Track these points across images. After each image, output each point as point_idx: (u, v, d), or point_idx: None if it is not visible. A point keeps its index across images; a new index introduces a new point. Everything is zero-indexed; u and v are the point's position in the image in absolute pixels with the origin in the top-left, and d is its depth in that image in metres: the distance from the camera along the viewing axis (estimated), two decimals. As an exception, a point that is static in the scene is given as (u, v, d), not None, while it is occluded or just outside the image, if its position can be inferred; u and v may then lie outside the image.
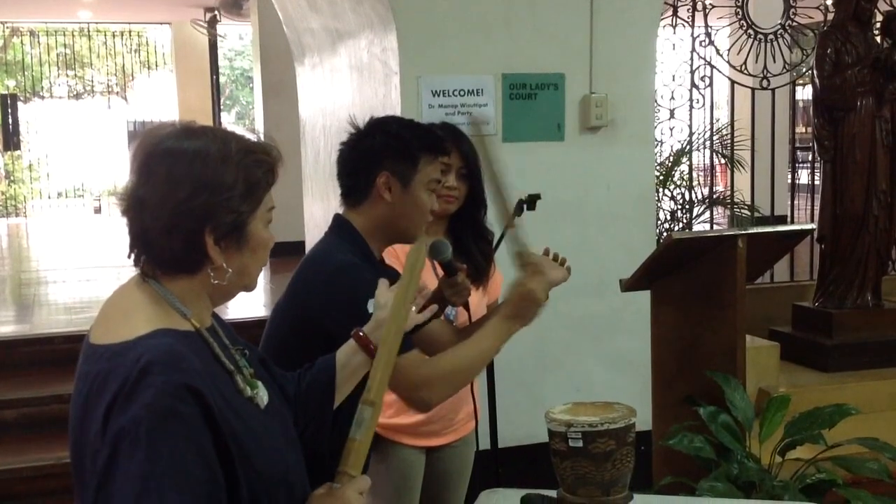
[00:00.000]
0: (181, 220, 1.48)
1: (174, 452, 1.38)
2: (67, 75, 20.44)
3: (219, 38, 13.49)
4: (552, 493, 2.12)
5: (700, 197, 7.55)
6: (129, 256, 1.57)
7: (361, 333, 1.87)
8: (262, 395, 1.61)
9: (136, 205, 1.51)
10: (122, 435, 1.38)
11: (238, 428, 1.48)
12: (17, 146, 17.22)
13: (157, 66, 19.12)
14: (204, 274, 1.54)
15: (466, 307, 2.62)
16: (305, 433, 1.80)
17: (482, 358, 2.20)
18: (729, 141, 7.36)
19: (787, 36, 6.55)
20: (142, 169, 1.52)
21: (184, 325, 1.53)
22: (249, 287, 1.62)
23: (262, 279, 8.18)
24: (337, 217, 2.35)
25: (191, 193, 1.48)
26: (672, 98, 6.57)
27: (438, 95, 4.36)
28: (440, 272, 2.57)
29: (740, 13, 6.46)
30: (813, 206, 6.89)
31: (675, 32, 6.58)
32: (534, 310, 2.19)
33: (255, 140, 1.60)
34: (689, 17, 6.40)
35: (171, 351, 1.44)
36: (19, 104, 17.23)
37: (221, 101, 15.71)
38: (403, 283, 1.77)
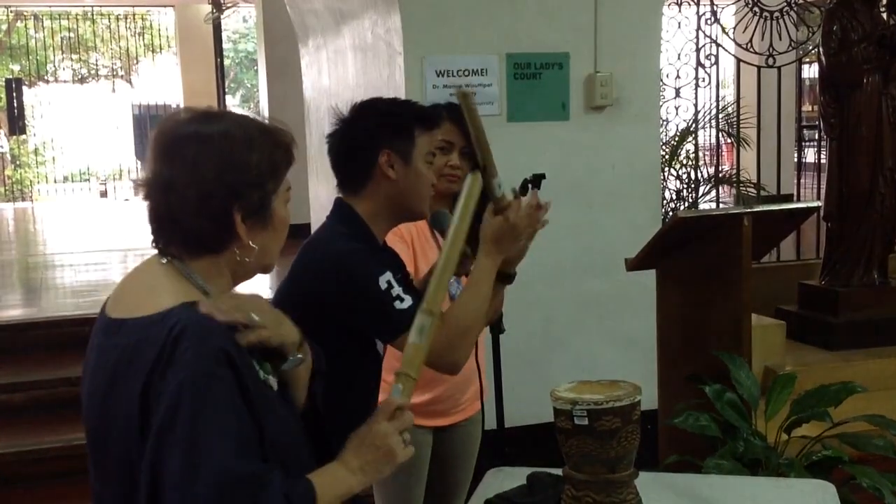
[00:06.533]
0: (211, 199, 1.52)
1: (217, 414, 1.42)
2: (72, 59, 20.43)
3: (224, 17, 13.39)
4: (558, 472, 2.13)
5: (706, 176, 7.53)
6: (153, 242, 1.59)
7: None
8: (273, 380, 1.63)
9: (162, 188, 1.54)
10: (166, 400, 1.41)
11: (258, 400, 1.51)
12: (23, 130, 17.23)
13: (161, 49, 19.09)
14: (229, 252, 1.58)
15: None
16: None
17: (485, 301, 2.20)
18: (735, 119, 7.34)
19: (792, 13, 6.51)
20: (166, 153, 1.55)
21: None
22: (269, 267, 1.66)
23: (269, 261, 8.24)
24: (338, 201, 2.33)
25: (219, 173, 1.53)
26: (677, 77, 6.53)
27: (442, 75, 4.35)
28: (442, 242, 2.57)
29: (746, -9, 6.43)
30: (819, 184, 6.88)
31: (680, 11, 6.53)
32: (513, 238, 2.17)
33: (271, 123, 1.64)
34: (694, -5, 6.36)
35: (202, 319, 1.48)
36: (24, 88, 17.23)
37: (226, 83, 15.68)
38: (459, 209, 1.87)
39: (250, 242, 1.57)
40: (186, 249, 1.57)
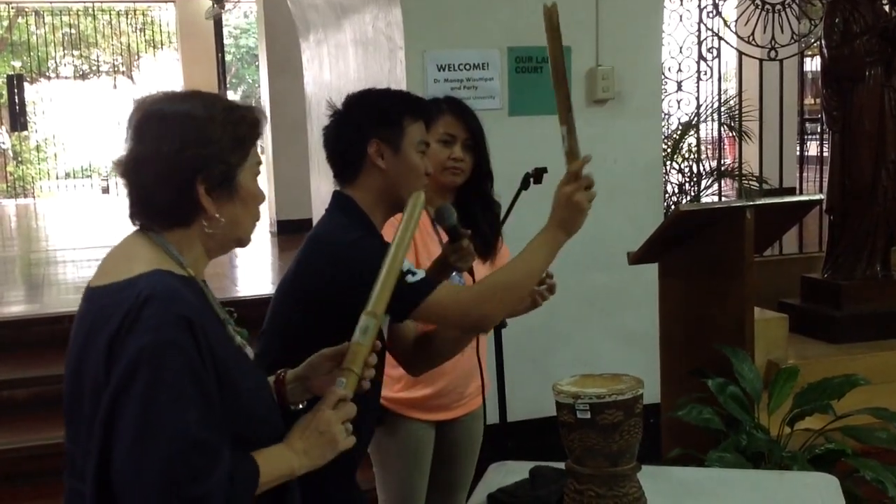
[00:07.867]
0: (174, 172, 1.59)
1: (176, 381, 1.47)
2: (73, 55, 20.43)
3: (225, 13, 13.36)
4: (560, 466, 2.13)
5: (708, 169, 7.52)
6: (130, 217, 1.67)
7: (283, 377, 1.92)
8: (249, 349, 1.72)
9: (133, 164, 1.62)
10: (125, 362, 1.48)
11: (231, 366, 1.57)
12: (24, 127, 17.22)
13: (162, 45, 19.09)
14: (198, 224, 1.64)
15: (471, 273, 2.62)
16: None
17: (533, 271, 2.20)
18: (737, 113, 7.32)
19: (794, 6, 6.50)
20: (136, 132, 1.63)
21: (180, 272, 1.62)
22: (244, 241, 1.72)
23: (270, 256, 8.23)
24: (336, 194, 2.34)
25: (181, 147, 1.59)
26: (679, 70, 6.52)
27: (444, 70, 4.34)
28: (445, 238, 2.57)
29: (748, -17, 6.41)
30: (822, 177, 6.86)
31: (681, 4, 6.53)
32: (579, 217, 2.18)
33: (239, 100, 1.73)
34: (695, -12, 6.35)
35: (170, 286, 1.55)
36: (25, 85, 17.21)
37: (227, 79, 15.68)
38: (402, 224, 1.87)
39: (217, 215, 1.63)
40: (158, 222, 1.64)
